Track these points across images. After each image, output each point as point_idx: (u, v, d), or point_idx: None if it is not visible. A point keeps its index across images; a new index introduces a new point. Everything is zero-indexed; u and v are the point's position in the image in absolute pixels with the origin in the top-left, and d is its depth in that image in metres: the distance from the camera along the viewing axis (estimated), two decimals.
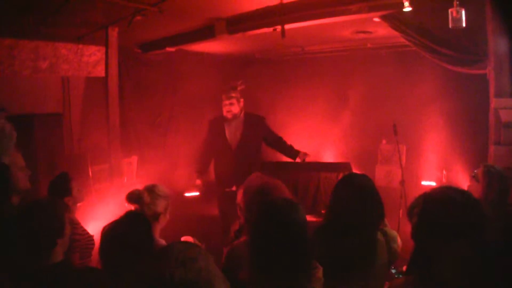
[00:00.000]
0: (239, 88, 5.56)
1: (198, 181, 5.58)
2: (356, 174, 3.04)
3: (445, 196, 1.91)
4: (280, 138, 5.67)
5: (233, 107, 5.46)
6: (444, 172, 6.48)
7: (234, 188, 5.34)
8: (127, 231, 2.35)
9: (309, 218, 5.80)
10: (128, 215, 2.51)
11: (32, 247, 2.29)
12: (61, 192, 3.59)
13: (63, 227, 2.40)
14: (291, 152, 5.62)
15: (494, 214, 2.91)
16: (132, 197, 3.16)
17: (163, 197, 3.24)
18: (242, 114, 5.55)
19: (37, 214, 2.33)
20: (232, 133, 5.51)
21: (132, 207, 3.14)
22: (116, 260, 2.24)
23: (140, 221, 2.49)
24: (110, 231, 2.36)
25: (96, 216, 4.94)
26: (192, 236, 3.15)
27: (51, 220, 2.35)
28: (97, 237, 2.54)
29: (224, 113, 5.50)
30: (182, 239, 2.97)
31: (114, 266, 2.23)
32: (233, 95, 5.48)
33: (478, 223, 1.83)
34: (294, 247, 1.99)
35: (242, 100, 5.58)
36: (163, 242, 3.00)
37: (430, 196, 1.98)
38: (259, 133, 5.55)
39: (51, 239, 2.32)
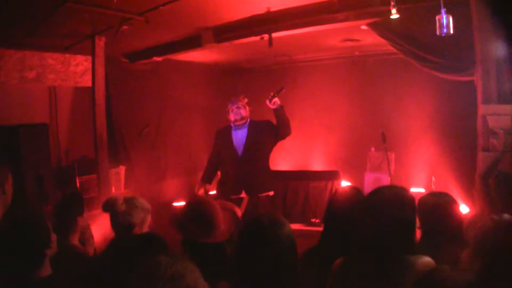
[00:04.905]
0: (242, 101, 5.62)
1: (201, 191, 5.58)
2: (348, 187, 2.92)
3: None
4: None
5: (241, 110, 5.50)
6: (433, 178, 6.47)
7: (242, 195, 5.40)
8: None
9: (298, 226, 5.80)
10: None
11: (21, 262, 2.23)
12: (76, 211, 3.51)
13: (49, 236, 2.35)
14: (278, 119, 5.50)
15: None
16: (106, 205, 3.10)
17: (140, 208, 3.11)
18: (247, 122, 5.56)
19: (23, 229, 2.26)
20: (238, 140, 5.51)
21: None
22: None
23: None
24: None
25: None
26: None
27: (37, 233, 2.28)
28: None
29: (233, 118, 5.52)
30: None
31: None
32: (240, 102, 5.56)
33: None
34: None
35: (248, 107, 5.62)
36: None
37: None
38: (266, 135, 5.50)
39: (40, 252, 2.27)
